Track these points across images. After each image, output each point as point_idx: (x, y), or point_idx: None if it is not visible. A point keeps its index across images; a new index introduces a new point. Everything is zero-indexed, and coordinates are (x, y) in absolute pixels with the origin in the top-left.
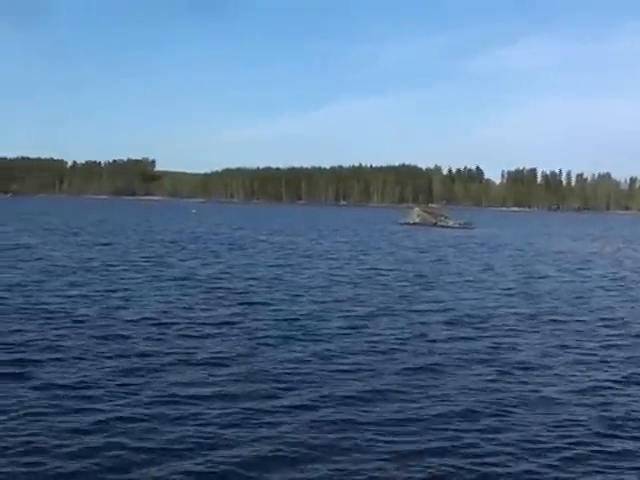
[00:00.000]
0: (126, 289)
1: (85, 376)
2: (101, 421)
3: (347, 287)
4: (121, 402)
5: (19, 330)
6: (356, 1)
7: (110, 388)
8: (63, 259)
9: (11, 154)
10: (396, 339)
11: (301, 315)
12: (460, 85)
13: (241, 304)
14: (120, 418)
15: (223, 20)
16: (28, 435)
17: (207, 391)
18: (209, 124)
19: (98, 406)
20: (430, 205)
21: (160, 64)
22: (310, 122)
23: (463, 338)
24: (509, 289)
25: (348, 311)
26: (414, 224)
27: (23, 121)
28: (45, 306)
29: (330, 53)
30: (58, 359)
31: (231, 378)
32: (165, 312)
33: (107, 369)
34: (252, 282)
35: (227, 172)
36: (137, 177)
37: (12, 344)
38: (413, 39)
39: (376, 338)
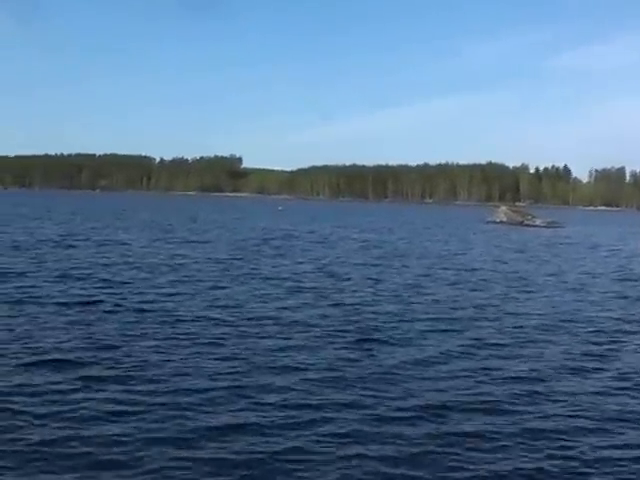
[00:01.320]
0: (221, 287)
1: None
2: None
3: (442, 287)
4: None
5: (114, 327)
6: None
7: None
8: (159, 256)
9: (99, 151)
10: (505, 346)
11: (394, 316)
12: (546, 83)
13: (334, 304)
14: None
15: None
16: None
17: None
18: (296, 121)
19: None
20: (517, 204)
21: (247, 59)
22: (396, 119)
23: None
24: (614, 292)
25: (445, 313)
26: (500, 222)
27: (111, 119)
28: (140, 304)
29: (416, 50)
30: (156, 361)
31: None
32: (257, 311)
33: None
34: (346, 282)
35: (313, 169)
36: (224, 174)
37: (109, 344)
38: (499, 37)
39: (478, 343)
